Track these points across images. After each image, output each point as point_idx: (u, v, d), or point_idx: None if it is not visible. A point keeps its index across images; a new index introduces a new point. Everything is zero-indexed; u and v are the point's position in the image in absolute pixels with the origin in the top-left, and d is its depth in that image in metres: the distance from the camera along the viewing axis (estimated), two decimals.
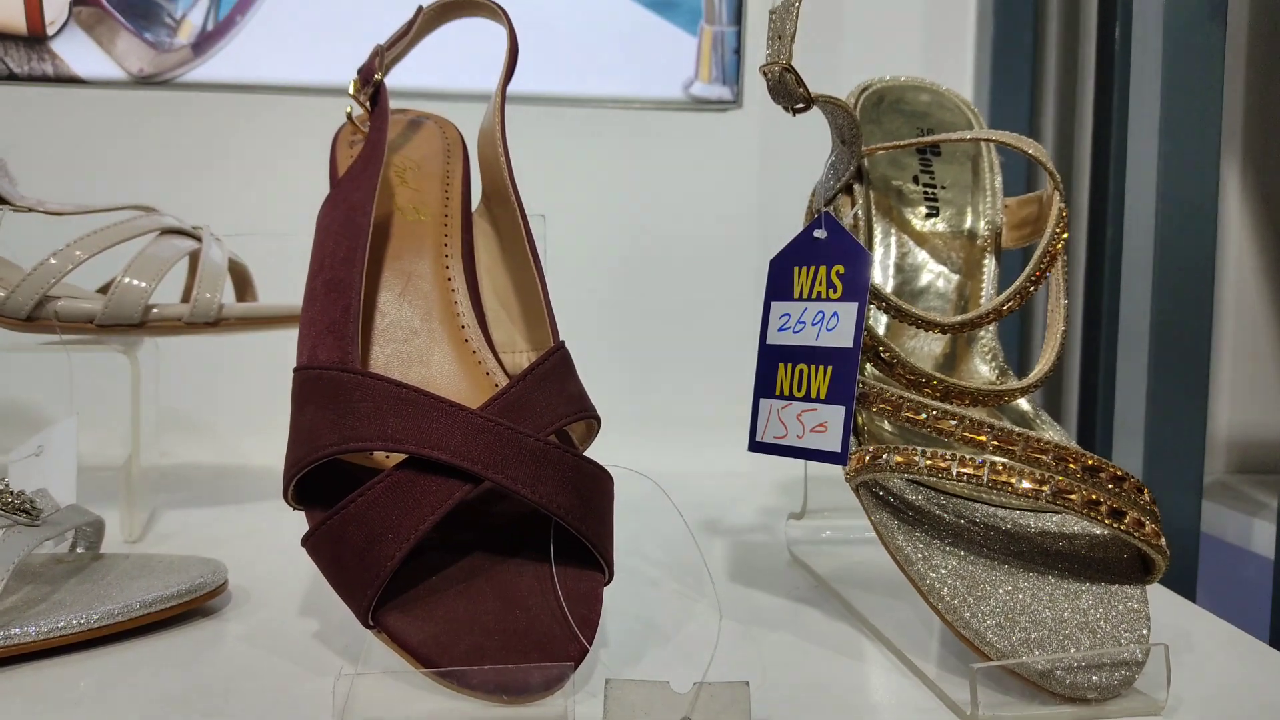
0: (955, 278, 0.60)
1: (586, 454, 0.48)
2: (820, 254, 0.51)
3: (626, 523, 0.51)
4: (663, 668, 0.46)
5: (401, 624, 0.41)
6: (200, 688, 0.43)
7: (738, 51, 0.98)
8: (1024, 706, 0.41)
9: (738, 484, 0.83)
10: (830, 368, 0.48)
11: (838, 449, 0.47)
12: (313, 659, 0.46)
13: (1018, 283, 0.52)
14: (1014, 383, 0.52)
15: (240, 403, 0.92)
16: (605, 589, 0.45)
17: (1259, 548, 0.77)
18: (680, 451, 0.82)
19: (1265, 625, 0.67)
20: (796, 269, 0.51)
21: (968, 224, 0.61)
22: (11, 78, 0.92)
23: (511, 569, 0.45)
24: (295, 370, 0.46)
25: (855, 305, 0.48)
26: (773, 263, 0.53)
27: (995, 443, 0.44)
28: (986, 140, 0.60)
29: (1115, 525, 0.43)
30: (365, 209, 0.51)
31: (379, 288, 0.54)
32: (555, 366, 0.47)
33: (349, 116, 0.60)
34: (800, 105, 0.51)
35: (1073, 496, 0.43)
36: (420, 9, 0.59)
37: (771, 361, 0.51)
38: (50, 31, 0.92)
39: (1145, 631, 0.43)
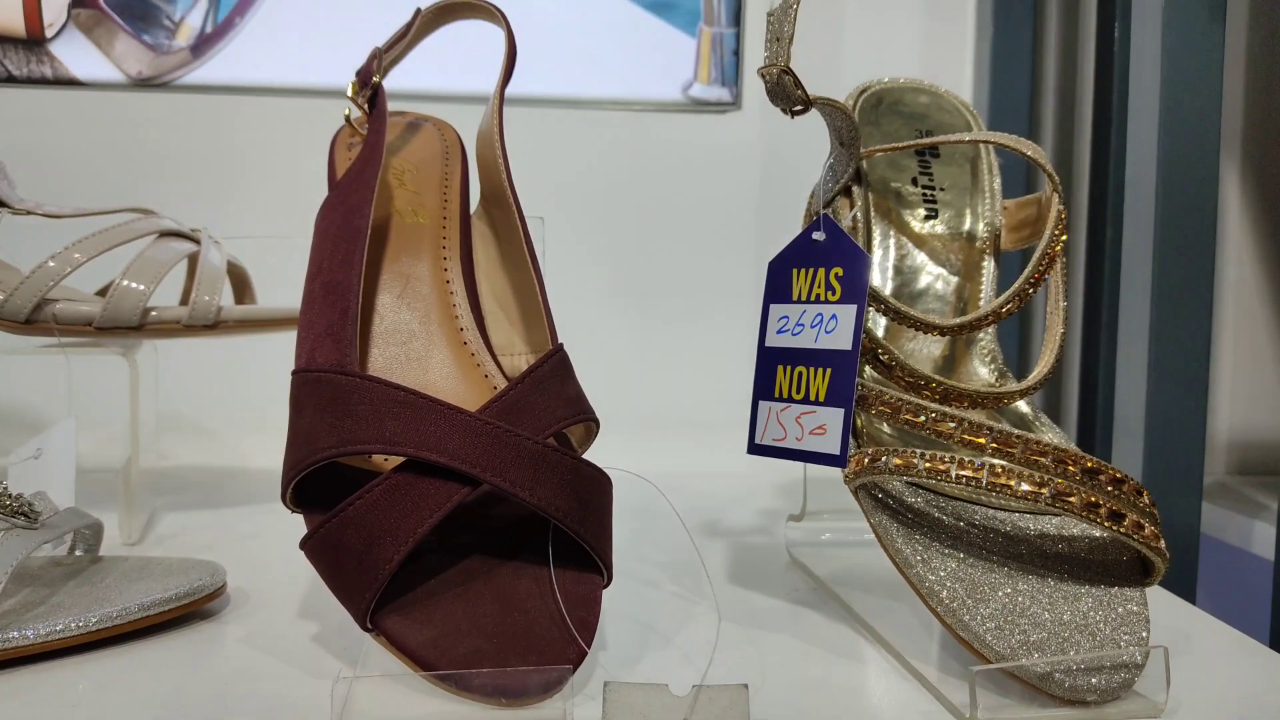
0: (954, 280, 0.60)
1: (585, 456, 0.48)
2: (819, 256, 0.51)
3: (625, 525, 0.51)
4: (661, 670, 0.45)
5: (400, 627, 0.41)
6: (199, 691, 0.43)
7: (737, 53, 0.98)
8: (1023, 709, 0.41)
9: (737, 486, 0.83)
10: (829, 370, 0.48)
11: (836, 451, 0.47)
12: (311, 662, 0.46)
13: (1017, 285, 0.52)
14: (1013, 385, 0.52)
15: (239, 405, 0.92)
16: (604, 592, 0.45)
17: (1259, 549, 0.77)
18: (679, 454, 0.82)
19: (1265, 627, 0.67)
20: (795, 271, 0.51)
21: (967, 226, 0.61)
22: (10, 80, 0.92)
23: (510, 572, 0.45)
24: (293, 373, 0.46)
25: (854, 307, 0.48)
26: (771, 265, 0.53)
27: (994, 445, 0.44)
28: (985, 142, 0.60)
29: (1115, 528, 0.43)
30: (364, 211, 0.51)
31: (377, 290, 0.54)
32: (554, 369, 0.47)
33: (347, 119, 0.60)
34: (798, 107, 0.51)
35: (1072, 499, 0.43)
36: (418, 11, 0.59)
37: (770, 364, 0.51)
38: (49, 34, 0.92)
39: (1145, 634, 0.43)
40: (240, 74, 0.94)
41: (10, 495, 0.48)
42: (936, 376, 0.50)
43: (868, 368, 0.51)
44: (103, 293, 0.67)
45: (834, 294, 0.49)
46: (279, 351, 0.59)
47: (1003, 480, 0.43)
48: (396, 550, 0.40)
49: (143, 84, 0.93)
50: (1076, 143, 0.98)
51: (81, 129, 0.93)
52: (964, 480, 0.44)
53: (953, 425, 0.45)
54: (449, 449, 0.42)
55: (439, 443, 0.42)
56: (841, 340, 0.48)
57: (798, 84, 0.50)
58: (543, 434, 0.44)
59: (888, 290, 0.59)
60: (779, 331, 0.51)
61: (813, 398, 0.49)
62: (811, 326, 0.50)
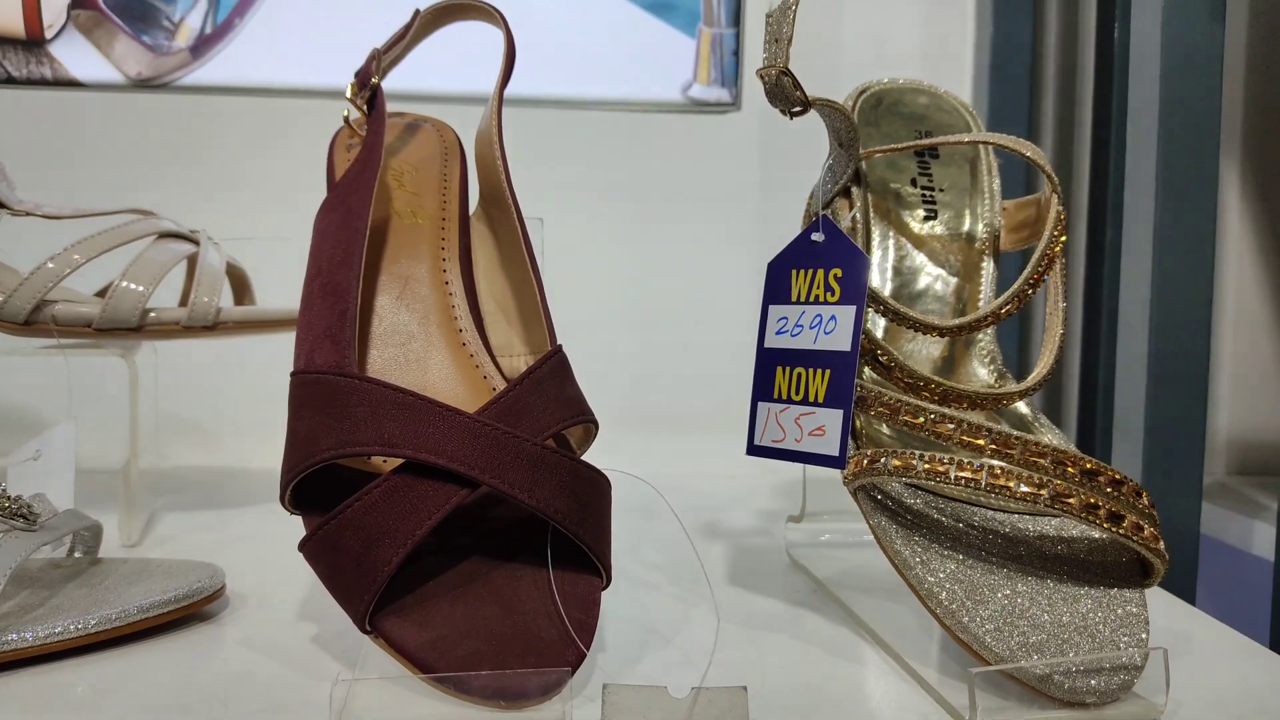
0: (953, 280, 0.60)
1: (584, 458, 0.48)
2: (818, 257, 0.50)
3: (624, 527, 0.51)
4: (661, 672, 0.45)
5: (399, 629, 0.41)
6: (198, 693, 0.43)
7: (736, 54, 0.98)
8: (1023, 711, 0.41)
9: (736, 487, 0.83)
10: (828, 371, 0.48)
11: (836, 453, 0.47)
12: (310, 664, 0.46)
13: (1016, 285, 0.52)
14: (1012, 386, 0.52)
15: (238, 407, 0.92)
16: (603, 593, 0.45)
17: (1259, 550, 0.77)
18: (678, 455, 0.82)
19: (1265, 628, 0.67)
20: (794, 272, 0.51)
21: (966, 227, 0.61)
22: (10, 81, 0.92)
23: (509, 574, 0.45)
24: (292, 374, 0.46)
25: (853, 308, 0.48)
26: (771, 266, 0.53)
27: (993, 446, 0.44)
28: (985, 143, 0.60)
29: (1114, 529, 0.43)
30: (362, 213, 0.51)
31: (376, 291, 0.54)
32: (553, 370, 0.47)
33: (346, 120, 0.60)
34: (797, 109, 0.51)
35: (1071, 500, 0.43)
36: (417, 12, 0.59)
37: (769, 365, 0.51)
38: (48, 35, 0.92)
39: (1144, 635, 0.43)
40: (240, 75, 0.94)
41: (9, 497, 0.48)
42: (936, 377, 0.50)
43: (867, 369, 0.51)
44: (102, 294, 0.67)
45: (833, 295, 0.49)
46: (278, 353, 0.59)
47: (1002, 481, 0.43)
48: (395, 552, 0.40)
49: (142, 85, 0.93)
50: (1076, 143, 0.98)
51: (81, 130, 0.93)
52: (963, 481, 0.44)
53: (952, 426, 0.45)
54: (448, 451, 0.42)
55: (438, 444, 0.42)
56: (840, 341, 0.48)
57: (796, 85, 0.50)
58: (541, 435, 0.44)
59: (887, 291, 0.59)
60: (778, 332, 0.51)
61: (812, 399, 0.49)
62: (810, 327, 0.50)
